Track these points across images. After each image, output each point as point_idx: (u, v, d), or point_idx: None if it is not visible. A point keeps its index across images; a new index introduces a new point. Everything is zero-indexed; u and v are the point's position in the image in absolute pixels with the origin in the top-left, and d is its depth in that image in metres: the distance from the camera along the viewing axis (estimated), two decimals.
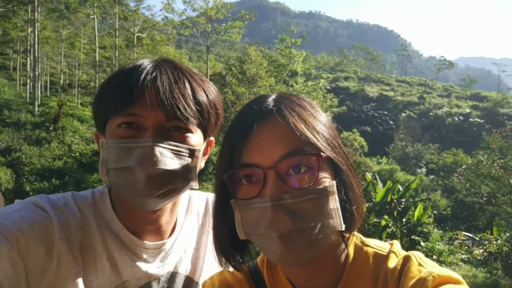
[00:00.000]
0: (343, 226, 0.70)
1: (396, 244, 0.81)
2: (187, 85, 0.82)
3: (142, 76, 0.78)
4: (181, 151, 0.81)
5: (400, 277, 0.71)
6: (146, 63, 0.83)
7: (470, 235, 14.27)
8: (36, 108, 23.17)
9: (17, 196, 16.45)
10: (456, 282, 0.68)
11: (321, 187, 0.68)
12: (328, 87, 47.02)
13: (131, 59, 30.76)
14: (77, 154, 20.51)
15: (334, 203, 0.69)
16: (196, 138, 0.85)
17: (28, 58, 27.35)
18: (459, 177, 18.96)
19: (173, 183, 0.81)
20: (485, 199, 14.86)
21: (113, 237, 0.85)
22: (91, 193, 0.89)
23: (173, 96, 0.78)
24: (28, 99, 25.81)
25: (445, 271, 0.70)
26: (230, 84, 26.74)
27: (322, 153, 0.69)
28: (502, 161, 12.57)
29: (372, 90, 59.90)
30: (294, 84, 28.87)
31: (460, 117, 46.93)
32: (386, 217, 10.70)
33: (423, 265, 0.72)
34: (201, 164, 0.87)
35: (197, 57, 72.83)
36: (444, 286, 0.66)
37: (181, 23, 31.09)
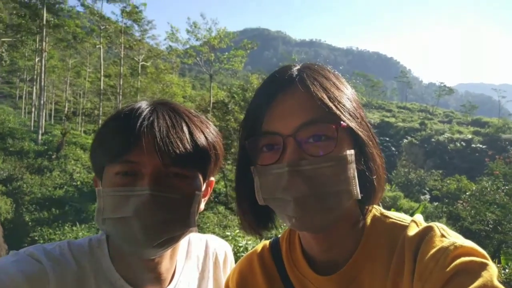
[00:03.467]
0: (359, 195, 0.70)
1: (419, 216, 0.78)
2: (185, 128, 0.80)
3: (139, 122, 0.77)
4: (179, 198, 0.78)
5: (419, 245, 0.69)
6: (144, 106, 0.82)
7: None
8: (40, 137, 23.38)
9: (16, 226, 16.29)
10: (480, 255, 0.64)
11: (338, 155, 0.69)
12: None
13: (135, 87, 31.31)
14: (78, 183, 20.46)
15: (351, 172, 0.69)
16: (195, 182, 0.82)
17: (34, 87, 27.89)
18: (464, 204, 18.70)
19: (171, 231, 0.79)
20: (491, 226, 14.57)
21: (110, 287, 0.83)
22: (88, 241, 0.87)
23: (170, 142, 0.76)
24: (32, 128, 26.10)
25: (468, 243, 0.67)
26: (232, 112, 27.03)
27: (342, 122, 0.69)
28: (507, 187, 12.42)
29: (374, 117, 60.29)
30: None
31: (462, 143, 46.87)
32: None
33: (446, 236, 0.69)
34: (201, 206, 0.86)
35: (200, 85, 74.05)
36: (466, 257, 0.63)
37: (184, 52, 31.86)
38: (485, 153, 37.95)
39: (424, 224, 0.74)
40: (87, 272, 0.82)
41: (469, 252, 0.65)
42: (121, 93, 27.82)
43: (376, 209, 0.81)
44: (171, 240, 0.80)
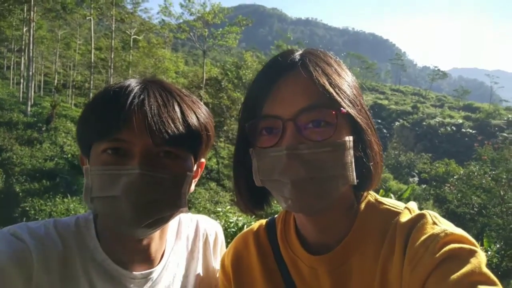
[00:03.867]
0: (355, 180, 0.71)
1: (413, 203, 0.79)
2: (177, 108, 0.78)
3: (129, 100, 0.74)
4: (170, 178, 0.77)
5: (411, 232, 0.70)
6: (134, 84, 0.79)
7: None
8: (29, 108, 22.94)
9: (6, 196, 16.24)
10: (469, 243, 0.66)
11: (337, 141, 0.70)
12: None
13: (126, 61, 30.68)
14: (69, 155, 20.31)
15: (348, 158, 0.70)
16: (186, 163, 0.81)
17: (23, 58, 27.13)
18: (451, 187, 19.11)
19: (162, 211, 0.78)
20: (476, 210, 14.97)
21: (97, 268, 0.80)
22: (75, 220, 0.85)
23: (161, 121, 0.74)
24: (21, 99, 25.58)
25: (459, 230, 0.68)
26: (226, 89, 26.78)
27: (341, 109, 0.70)
28: (494, 172, 12.70)
29: (367, 99, 60.31)
30: None
31: (452, 127, 47.42)
32: None
33: (437, 223, 0.70)
34: (191, 187, 0.84)
35: (193, 60, 72.93)
36: (455, 244, 0.65)
37: (178, 26, 31.14)
38: (475, 138, 38.51)
39: (417, 211, 0.75)
40: (73, 252, 0.79)
41: (459, 240, 0.66)
42: (112, 67, 27.24)
43: (371, 195, 0.82)
44: (161, 220, 0.79)
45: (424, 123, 49.45)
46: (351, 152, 0.71)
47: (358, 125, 0.73)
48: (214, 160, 26.35)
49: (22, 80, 27.09)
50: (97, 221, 0.85)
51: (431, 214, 0.73)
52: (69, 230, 0.81)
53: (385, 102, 59.76)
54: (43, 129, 21.44)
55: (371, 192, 0.82)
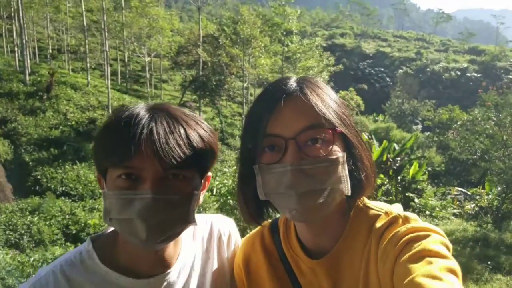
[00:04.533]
0: (350, 191, 0.81)
1: (395, 206, 0.89)
2: (182, 132, 0.84)
3: (139, 130, 0.81)
4: (179, 198, 0.85)
5: (383, 234, 0.81)
6: (142, 113, 0.85)
7: (463, 190, 14.70)
8: (27, 77, 22.67)
9: (17, 166, 16.57)
10: (428, 230, 0.76)
11: (333, 157, 0.79)
12: (324, 45, 46.00)
13: (120, 22, 29.70)
14: (73, 122, 20.40)
15: (343, 171, 0.80)
16: (193, 182, 0.88)
17: (13, 25, 26.35)
18: (454, 134, 19.16)
19: (173, 229, 0.86)
20: (478, 155, 15.11)
21: (112, 286, 0.90)
22: (79, 257, 0.92)
23: (169, 147, 0.80)
24: (18, 68, 25.18)
25: (422, 224, 0.79)
26: (223, 46, 26.09)
27: (336, 128, 0.80)
28: (497, 118, 12.66)
29: (369, 47, 58.72)
30: (290, 44, 28.18)
31: (457, 72, 46.49)
32: (382, 176, 10.95)
33: (406, 223, 0.80)
34: (200, 200, 0.92)
35: (188, 16, 70.41)
36: (413, 233, 0.75)
37: None
38: (480, 82, 37.88)
39: (394, 214, 0.84)
40: (84, 285, 0.89)
41: (419, 230, 0.76)
42: (106, 29, 26.43)
43: (361, 200, 0.91)
44: (173, 236, 0.88)
45: (428, 69, 48.44)
46: (345, 166, 0.81)
47: (350, 142, 0.83)
48: (217, 119, 26.37)
49: (16, 48, 26.51)
50: (101, 245, 0.95)
51: (403, 216, 0.82)
52: (77, 270, 0.90)
53: (388, 49, 58.10)
54: (44, 97, 21.35)
55: (363, 198, 0.91)
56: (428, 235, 0.74)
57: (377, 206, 0.89)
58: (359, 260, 0.85)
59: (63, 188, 15.52)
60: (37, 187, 15.45)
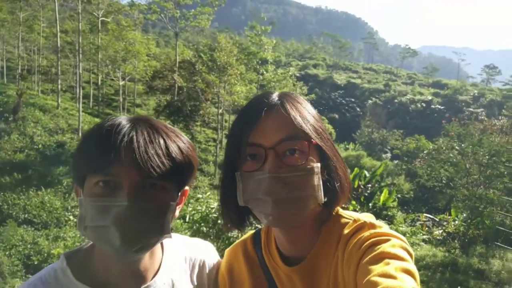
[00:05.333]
0: (323, 199, 0.86)
1: (365, 214, 0.92)
2: (162, 143, 0.86)
3: (120, 138, 0.83)
4: (155, 208, 0.85)
5: (349, 240, 0.85)
6: (124, 122, 0.87)
7: (431, 216, 15.15)
8: None
9: None
10: (390, 235, 0.80)
11: (308, 166, 0.84)
12: (298, 75, 47.35)
13: (95, 44, 29.48)
14: (40, 146, 19.61)
15: (317, 180, 0.85)
16: (170, 193, 0.89)
17: None
18: (421, 162, 19.90)
19: (148, 238, 0.86)
20: (444, 182, 15.72)
21: None
22: (54, 274, 0.92)
23: (148, 156, 0.82)
24: None
25: (385, 230, 0.83)
26: (200, 72, 26.34)
27: (312, 140, 0.85)
28: (460, 147, 13.33)
29: (340, 78, 60.97)
30: (265, 72, 28.86)
31: (422, 104, 48.90)
32: (353, 202, 11.13)
33: (371, 229, 0.84)
34: (175, 213, 0.93)
35: (165, 41, 70.75)
36: (375, 238, 0.79)
37: (148, 7, 30.07)
38: (443, 113, 39.94)
39: (362, 221, 0.89)
40: None
41: (381, 235, 0.81)
42: (80, 51, 26.12)
43: (336, 210, 0.95)
44: (147, 246, 0.88)
45: (395, 100, 50.70)
46: (319, 176, 0.85)
47: (326, 154, 0.88)
48: None
49: None
50: (75, 262, 0.94)
51: (368, 222, 0.87)
52: (51, 287, 0.89)
53: (358, 81, 60.54)
54: (10, 119, 20.52)
55: (338, 208, 0.96)
56: (389, 239, 0.78)
57: (348, 214, 0.94)
58: (330, 266, 0.88)
59: (26, 215, 14.69)
60: None
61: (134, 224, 0.82)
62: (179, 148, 0.89)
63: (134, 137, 0.84)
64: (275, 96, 0.91)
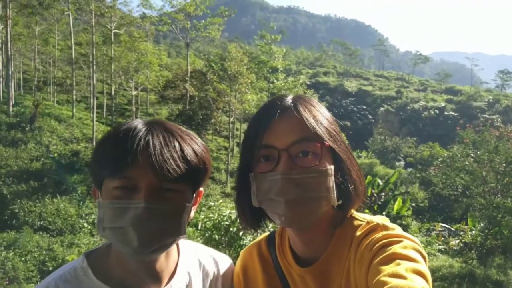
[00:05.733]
0: (336, 201, 0.86)
1: (378, 217, 0.92)
2: (177, 146, 0.88)
3: (136, 142, 0.85)
4: (171, 210, 0.87)
5: (361, 241, 0.86)
6: (140, 126, 0.89)
7: (447, 226, 14.84)
8: (11, 108, 22.39)
9: None
10: (402, 237, 0.81)
11: (321, 168, 0.85)
12: (308, 83, 47.41)
13: (108, 56, 30.09)
14: (55, 154, 19.98)
15: (330, 182, 0.85)
16: (186, 195, 0.91)
17: (0, 56, 26.36)
18: (436, 170, 19.56)
19: (164, 239, 0.88)
20: (460, 191, 15.41)
21: None
22: (74, 273, 0.93)
23: (164, 160, 0.84)
24: (1, 99, 24.91)
25: (398, 231, 0.84)
26: (211, 81, 26.57)
27: (325, 142, 0.86)
28: (475, 154, 13.06)
29: (351, 85, 60.77)
30: (275, 81, 28.97)
31: (436, 110, 48.28)
32: (366, 211, 10.98)
33: (383, 230, 0.85)
34: (191, 215, 0.94)
35: (176, 52, 71.79)
36: (387, 239, 0.80)
37: (159, 19, 30.61)
38: (457, 120, 39.33)
39: (374, 222, 0.89)
40: None
41: (393, 236, 0.81)
42: (94, 62, 26.67)
43: (350, 212, 0.95)
44: (164, 246, 0.90)
45: (408, 107, 50.20)
46: (332, 178, 0.86)
47: (339, 156, 0.89)
48: None
49: (1, 79, 26.35)
50: (96, 261, 0.96)
51: (381, 224, 0.87)
52: (71, 286, 0.91)
53: (370, 88, 60.23)
54: (26, 129, 21.00)
55: (353, 210, 0.96)
56: (401, 241, 0.79)
57: (362, 216, 0.94)
58: (343, 267, 0.89)
59: (42, 222, 14.90)
60: (14, 221, 14.81)
61: (151, 225, 0.84)
62: (193, 150, 0.91)
63: (150, 140, 0.86)
64: (289, 99, 0.92)
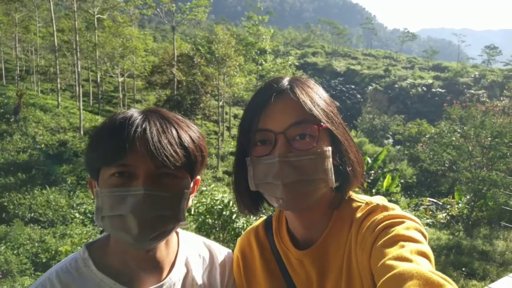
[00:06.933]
0: (334, 183, 0.86)
1: (377, 197, 0.93)
2: (174, 133, 0.88)
3: (133, 129, 0.84)
4: (170, 196, 0.88)
5: (362, 223, 0.86)
6: (136, 114, 0.89)
7: (434, 200, 15.20)
8: None
9: None
10: (403, 217, 0.80)
11: (318, 150, 0.84)
12: (297, 63, 47.09)
13: (92, 42, 29.38)
14: (42, 145, 19.70)
15: (328, 164, 0.85)
16: (184, 181, 0.91)
17: None
18: (423, 146, 19.87)
19: (164, 226, 0.88)
20: (447, 166, 15.74)
21: None
22: (75, 264, 0.94)
23: (161, 146, 0.84)
24: None
25: (398, 212, 0.83)
26: (198, 65, 26.24)
27: (322, 124, 0.85)
28: (462, 130, 13.29)
29: (340, 65, 60.58)
30: (264, 62, 28.72)
31: (423, 88, 48.58)
32: (356, 189, 11.18)
33: (383, 211, 0.85)
34: (189, 202, 0.95)
35: (162, 36, 70.37)
36: (389, 220, 0.80)
37: (143, 2, 29.86)
38: (444, 96, 39.73)
39: (374, 203, 0.89)
40: None
41: (394, 217, 0.81)
42: (78, 49, 26.04)
43: (349, 194, 0.95)
44: (164, 233, 0.90)
45: (396, 85, 50.37)
46: (330, 160, 0.85)
47: (337, 138, 0.88)
48: None
49: None
50: (97, 250, 0.97)
51: (381, 205, 0.87)
52: (73, 277, 0.92)
53: (358, 67, 60.09)
54: (11, 120, 20.60)
55: (351, 192, 0.96)
56: (403, 222, 0.78)
57: (361, 198, 0.94)
58: (343, 250, 0.89)
59: (32, 214, 14.80)
60: (3, 215, 14.69)
61: (151, 212, 0.84)
62: (190, 137, 0.91)
63: (147, 127, 0.86)
64: (285, 81, 0.91)
